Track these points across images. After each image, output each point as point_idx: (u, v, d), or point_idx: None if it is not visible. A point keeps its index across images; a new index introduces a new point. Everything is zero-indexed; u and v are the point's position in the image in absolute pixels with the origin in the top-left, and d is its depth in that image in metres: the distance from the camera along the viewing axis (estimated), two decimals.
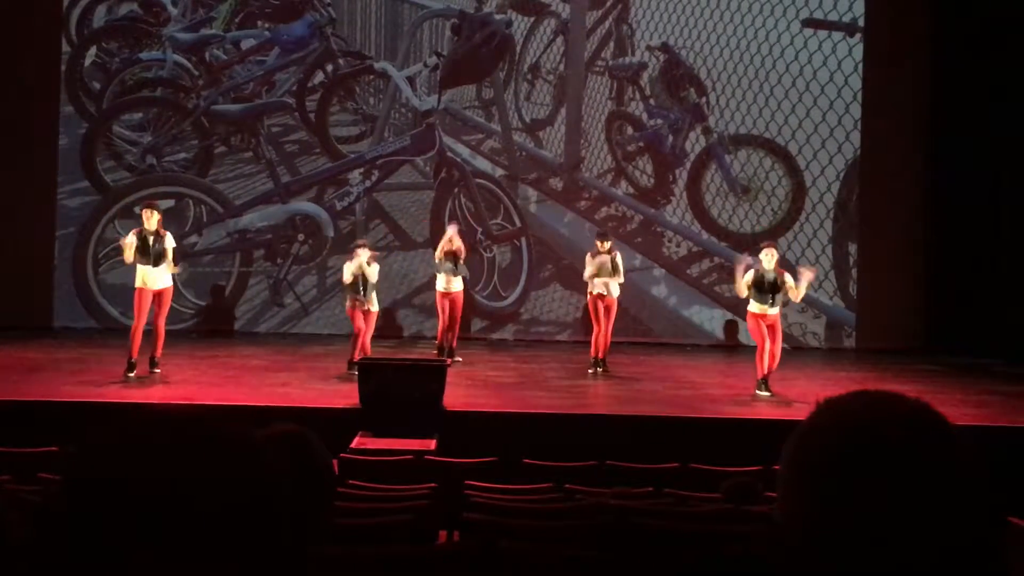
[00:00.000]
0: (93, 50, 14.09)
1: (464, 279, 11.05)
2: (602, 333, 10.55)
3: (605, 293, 10.51)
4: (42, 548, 0.92)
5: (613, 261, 10.50)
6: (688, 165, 13.96)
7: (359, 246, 10.10)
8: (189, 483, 0.91)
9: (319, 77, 14.25)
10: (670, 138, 13.97)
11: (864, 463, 0.99)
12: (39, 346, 11.35)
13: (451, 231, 10.89)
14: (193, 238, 13.74)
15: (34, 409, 7.87)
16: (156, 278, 9.42)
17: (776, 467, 1.08)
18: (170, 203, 13.83)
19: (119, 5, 14.10)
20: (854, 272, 13.69)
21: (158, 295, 9.45)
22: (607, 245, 10.55)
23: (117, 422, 0.95)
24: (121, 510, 0.89)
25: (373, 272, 9.93)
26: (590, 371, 10.49)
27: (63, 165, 13.71)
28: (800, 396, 9.25)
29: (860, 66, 13.65)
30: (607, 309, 10.55)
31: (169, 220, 13.80)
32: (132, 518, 0.89)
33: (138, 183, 13.82)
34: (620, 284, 10.63)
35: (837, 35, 13.70)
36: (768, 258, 9.31)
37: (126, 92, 14.04)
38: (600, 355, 10.58)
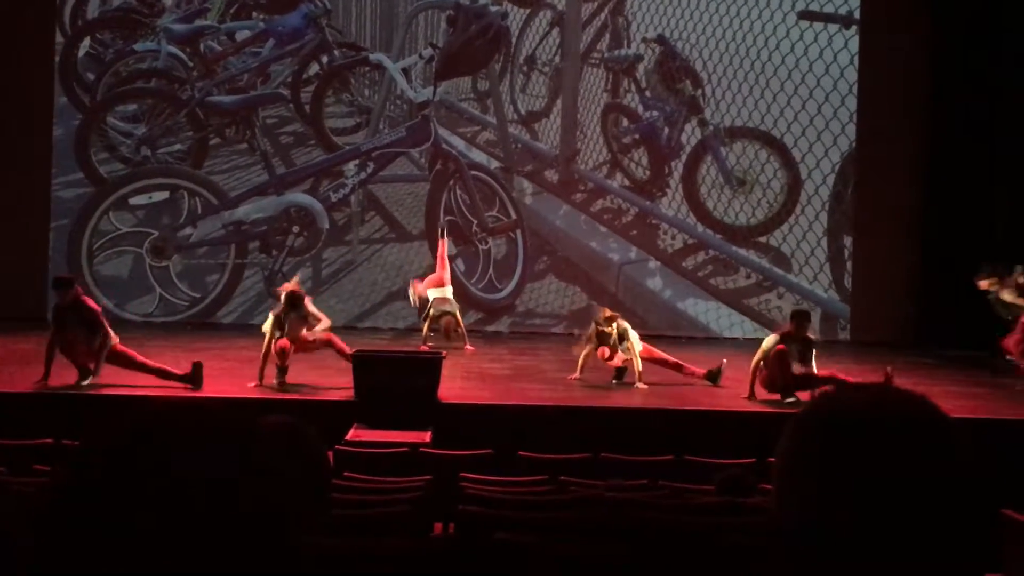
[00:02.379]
0: (87, 41, 14.04)
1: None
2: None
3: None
4: (43, 540, 0.92)
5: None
6: (684, 157, 13.96)
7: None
8: (191, 475, 0.91)
9: (314, 68, 14.22)
10: (666, 130, 13.96)
11: (861, 455, 1.00)
12: (33, 338, 11.31)
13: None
14: (188, 230, 13.72)
15: (28, 401, 7.86)
16: None
17: (771, 459, 1.08)
18: (164, 195, 13.82)
19: None
20: (849, 265, 13.71)
21: None
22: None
23: (119, 415, 0.95)
24: (123, 501, 0.89)
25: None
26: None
27: (57, 157, 13.67)
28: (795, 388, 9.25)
29: (856, 58, 13.64)
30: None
31: (163, 212, 13.87)
32: (133, 509, 0.89)
33: (133, 175, 13.79)
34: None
35: (833, 27, 13.69)
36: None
37: (120, 83, 14.00)
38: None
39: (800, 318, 9.05)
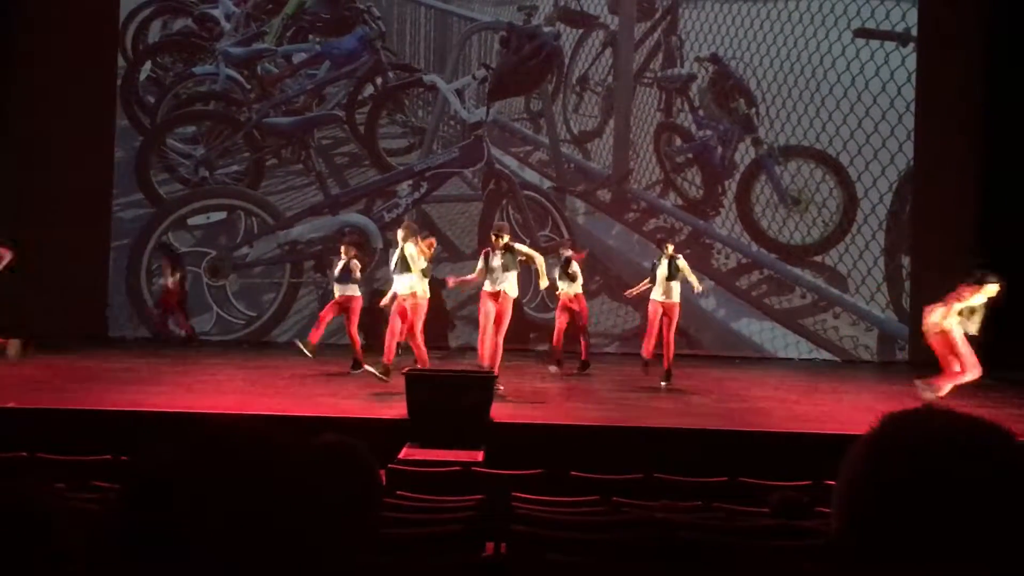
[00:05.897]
0: (148, 65, 14.35)
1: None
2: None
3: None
4: (98, 552, 0.93)
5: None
6: (737, 177, 13.87)
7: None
8: (246, 493, 0.91)
9: (369, 90, 14.38)
10: (719, 149, 13.89)
11: (932, 479, 0.98)
12: (93, 355, 11.54)
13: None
14: (244, 249, 13.91)
15: (88, 418, 7.99)
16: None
17: (828, 482, 1.06)
18: (222, 215, 14.04)
19: (174, 20, 14.36)
20: (907, 284, 13.49)
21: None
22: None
23: (176, 434, 0.96)
24: (175, 516, 0.90)
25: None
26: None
27: (118, 178, 13.96)
28: (851, 409, 9.13)
29: (913, 76, 13.47)
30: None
31: (221, 232, 14.08)
32: (186, 524, 0.90)
33: (191, 195, 14.03)
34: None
35: (890, 45, 13.54)
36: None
37: (180, 106, 14.28)
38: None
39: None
